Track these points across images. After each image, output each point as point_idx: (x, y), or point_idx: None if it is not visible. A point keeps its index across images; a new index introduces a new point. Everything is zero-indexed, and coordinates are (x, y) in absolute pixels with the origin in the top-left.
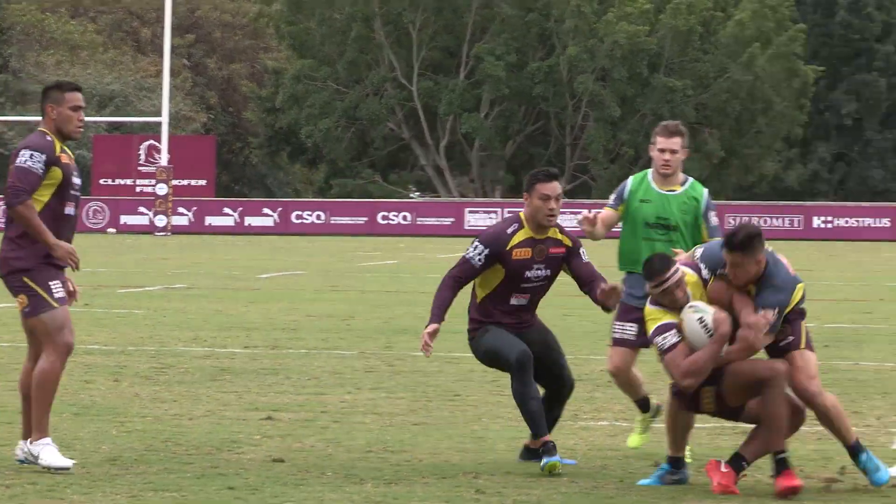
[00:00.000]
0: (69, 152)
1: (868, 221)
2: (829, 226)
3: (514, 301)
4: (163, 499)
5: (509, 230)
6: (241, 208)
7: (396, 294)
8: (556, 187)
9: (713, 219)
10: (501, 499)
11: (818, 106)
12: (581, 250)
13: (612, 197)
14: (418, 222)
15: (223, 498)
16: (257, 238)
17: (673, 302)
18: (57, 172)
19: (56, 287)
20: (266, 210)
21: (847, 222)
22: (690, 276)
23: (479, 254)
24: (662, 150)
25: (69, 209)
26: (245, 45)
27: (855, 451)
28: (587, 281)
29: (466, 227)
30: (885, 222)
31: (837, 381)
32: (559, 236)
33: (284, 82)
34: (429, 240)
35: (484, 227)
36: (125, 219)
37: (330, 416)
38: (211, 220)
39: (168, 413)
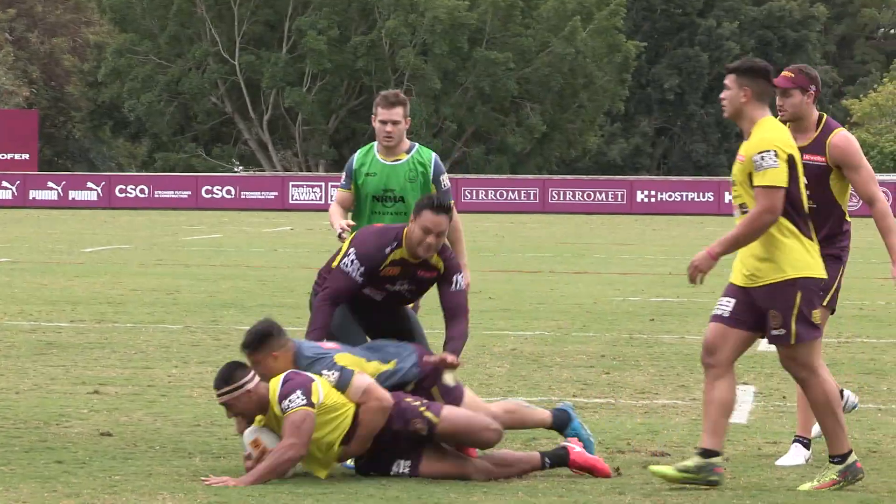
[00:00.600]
0: None
1: (691, 196)
2: (653, 200)
3: (367, 291)
4: None
5: (386, 250)
6: (64, 182)
7: (221, 268)
8: (440, 222)
9: (445, 181)
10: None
11: (640, 80)
12: (455, 277)
13: (343, 177)
14: (242, 196)
15: (52, 472)
16: (81, 212)
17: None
18: None
19: None
20: (90, 184)
21: (670, 196)
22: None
23: (357, 270)
24: (384, 122)
25: None
26: (67, 18)
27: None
28: (447, 313)
29: (291, 202)
30: (709, 196)
31: (664, 355)
32: (434, 260)
33: (106, 56)
34: (253, 213)
35: (307, 202)
36: None
37: (157, 390)
38: (35, 195)
39: None
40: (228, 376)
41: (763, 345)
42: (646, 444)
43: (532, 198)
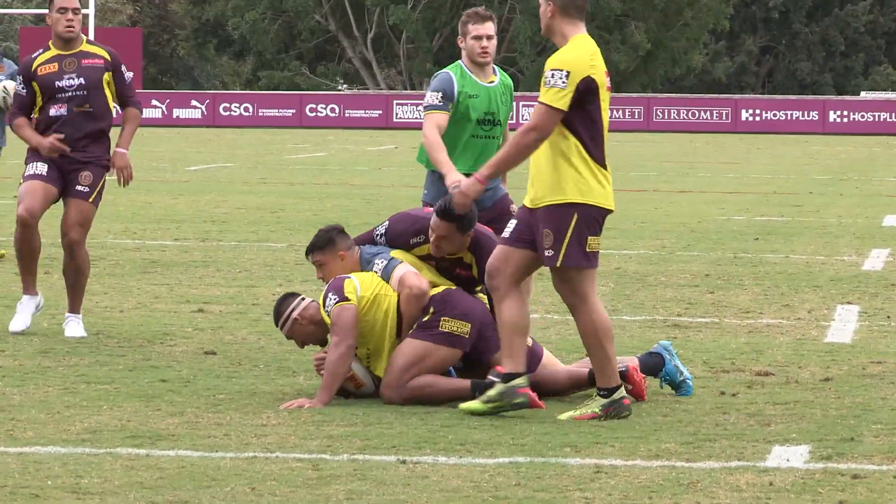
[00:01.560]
0: (65, 55)
1: (796, 115)
2: (757, 119)
3: None
4: (95, 391)
5: (412, 240)
6: (168, 100)
7: (325, 187)
8: (440, 226)
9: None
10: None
11: None
12: None
13: (438, 97)
14: (346, 115)
15: (156, 390)
16: (185, 130)
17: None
18: (35, 86)
19: (28, 168)
20: (194, 102)
21: (775, 115)
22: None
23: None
24: (479, 37)
25: (56, 111)
26: None
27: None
28: None
29: (395, 120)
30: (813, 115)
31: (768, 275)
32: (468, 259)
33: None
34: (357, 132)
35: (411, 120)
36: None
37: (261, 309)
38: None
39: (99, 305)
40: (277, 311)
41: (867, 264)
42: (750, 364)
43: (636, 116)
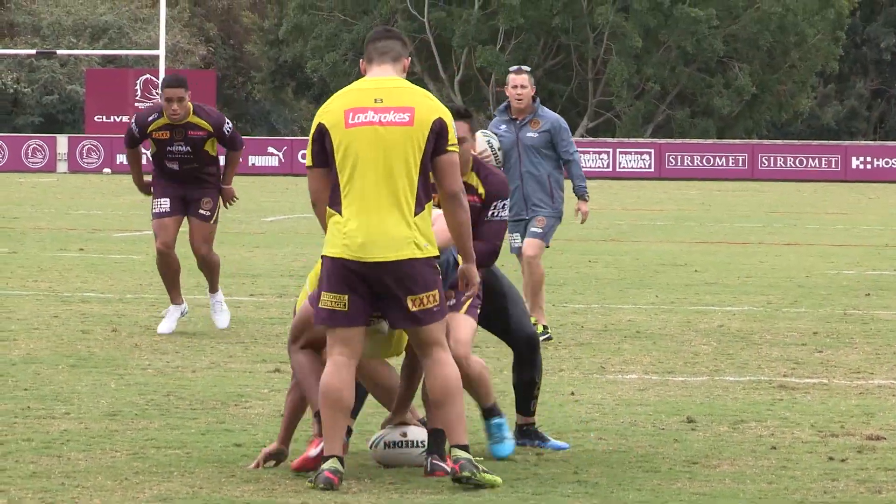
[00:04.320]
0: (176, 126)
1: None
2: (869, 167)
3: None
4: (166, 456)
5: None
6: (244, 147)
7: None
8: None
9: None
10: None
11: (855, 39)
12: (496, 203)
13: None
14: None
15: (230, 455)
16: (262, 179)
17: None
18: (150, 141)
19: (154, 205)
20: (271, 149)
21: (887, 163)
22: None
23: None
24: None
25: (169, 165)
26: None
27: (489, 413)
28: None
29: None
30: None
31: (880, 332)
32: (472, 181)
33: (288, 13)
34: None
35: None
36: (121, 158)
37: None
38: None
39: (170, 365)
40: None
41: None
42: (860, 428)
43: (740, 164)
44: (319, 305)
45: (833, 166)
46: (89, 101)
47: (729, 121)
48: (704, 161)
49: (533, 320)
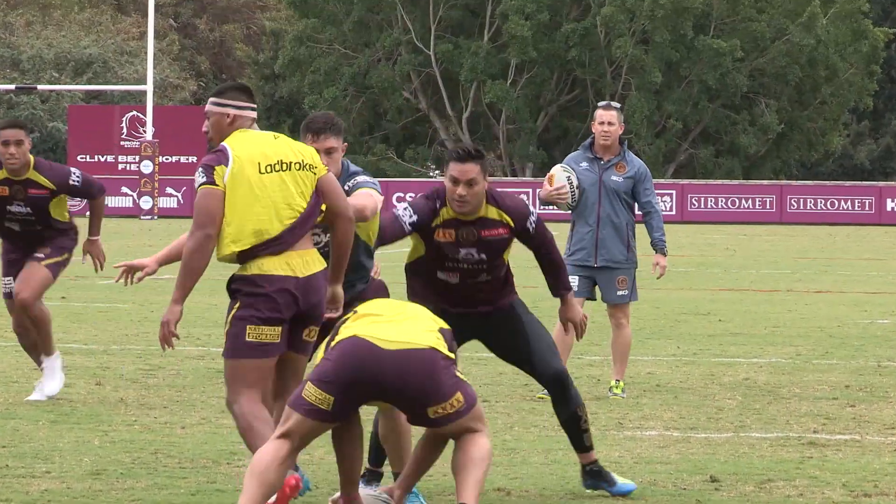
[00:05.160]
0: (14, 181)
1: None
2: None
3: (440, 274)
4: None
5: (436, 204)
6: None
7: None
8: (467, 170)
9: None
10: None
11: (891, 73)
12: (528, 222)
13: None
14: None
15: None
16: None
17: None
18: None
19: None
20: None
21: None
22: None
23: (409, 216)
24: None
25: (9, 225)
26: (240, 2)
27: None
28: (544, 267)
29: None
30: None
31: None
32: (492, 214)
33: (284, 45)
34: None
35: None
36: (106, 201)
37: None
38: None
39: (158, 421)
40: None
41: None
42: (895, 487)
43: (768, 206)
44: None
45: (867, 208)
46: (72, 139)
47: (755, 160)
48: (729, 203)
49: (616, 384)
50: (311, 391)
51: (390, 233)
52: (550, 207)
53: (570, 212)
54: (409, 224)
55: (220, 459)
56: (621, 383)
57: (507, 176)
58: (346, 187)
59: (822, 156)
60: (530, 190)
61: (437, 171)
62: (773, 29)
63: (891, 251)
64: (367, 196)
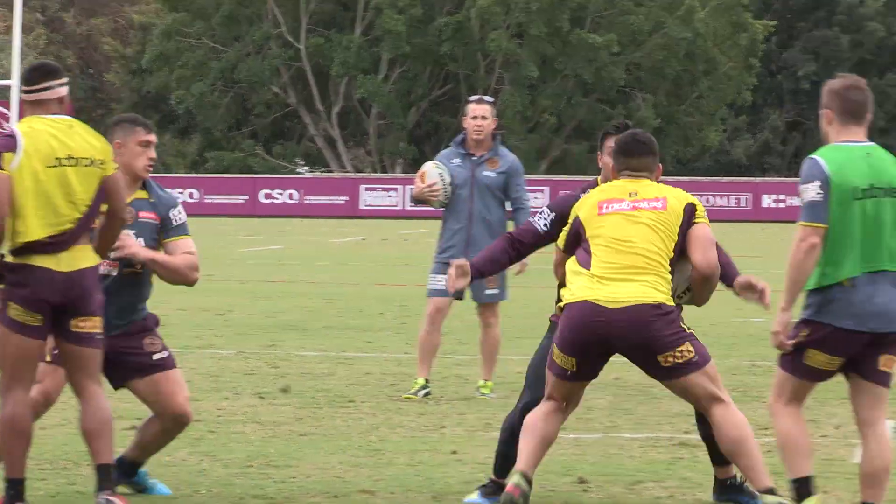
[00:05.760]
0: None
1: None
2: (782, 205)
3: None
4: None
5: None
6: None
7: (282, 284)
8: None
9: None
10: None
11: (770, 67)
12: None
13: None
14: (307, 201)
15: None
16: None
17: None
18: None
19: None
20: None
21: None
22: None
23: (545, 218)
24: None
25: None
26: None
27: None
28: None
29: (362, 207)
30: None
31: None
32: None
33: (152, 39)
34: (319, 221)
35: (382, 208)
36: None
37: (205, 426)
38: None
39: None
40: None
41: None
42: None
43: None
44: None
45: (743, 204)
46: None
47: None
48: None
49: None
50: (556, 354)
51: None
52: (422, 205)
53: (442, 209)
54: None
55: (81, 461)
56: (490, 383)
57: (377, 172)
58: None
59: (699, 151)
60: (401, 186)
61: (305, 168)
62: (651, 22)
63: (767, 248)
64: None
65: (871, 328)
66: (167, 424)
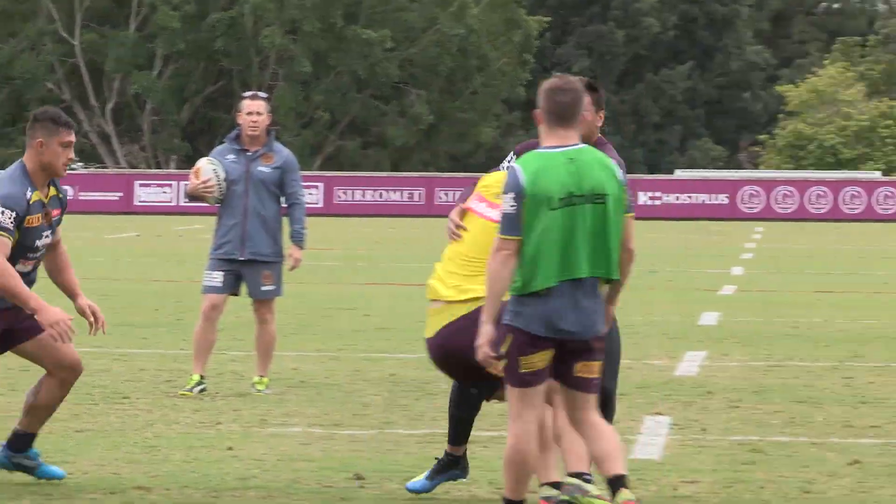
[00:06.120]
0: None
1: None
2: None
3: None
4: None
5: None
6: None
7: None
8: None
9: None
10: None
11: (544, 62)
12: None
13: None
14: (81, 197)
15: None
16: None
17: None
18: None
19: None
20: None
21: None
22: None
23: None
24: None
25: None
26: None
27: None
28: None
29: (137, 203)
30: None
31: None
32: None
33: None
34: (93, 217)
35: (156, 204)
36: None
37: None
38: None
39: None
40: None
41: (680, 368)
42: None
43: (416, 198)
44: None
45: None
46: None
47: (405, 152)
48: (378, 195)
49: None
50: None
51: None
52: (197, 202)
53: (217, 205)
54: None
55: None
56: (265, 379)
57: (151, 168)
58: None
59: (473, 147)
60: (175, 183)
61: (79, 164)
62: (424, 18)
63: None
64: None
65: (564, 336)
66: (63, 374)
